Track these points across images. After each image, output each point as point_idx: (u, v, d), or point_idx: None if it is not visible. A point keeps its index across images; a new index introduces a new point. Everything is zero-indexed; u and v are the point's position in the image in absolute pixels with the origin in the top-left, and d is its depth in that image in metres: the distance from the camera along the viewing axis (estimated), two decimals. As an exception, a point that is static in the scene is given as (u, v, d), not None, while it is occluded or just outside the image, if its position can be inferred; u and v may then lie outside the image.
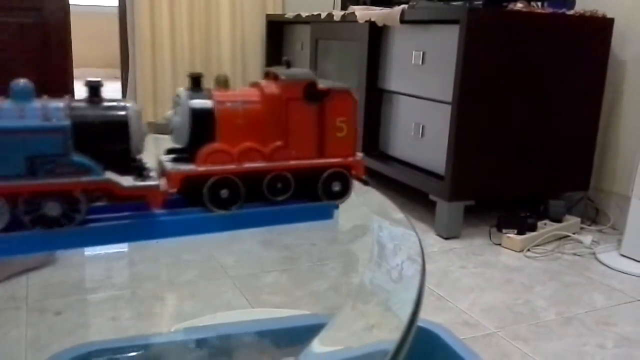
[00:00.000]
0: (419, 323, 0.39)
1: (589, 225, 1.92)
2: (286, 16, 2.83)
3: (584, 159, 1.93)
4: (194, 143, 0.44)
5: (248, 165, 0.45)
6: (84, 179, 0.39)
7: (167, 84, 2.92)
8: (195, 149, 0.44)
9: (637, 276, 1.54)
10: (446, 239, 1.76)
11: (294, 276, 1.43)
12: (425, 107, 1.89)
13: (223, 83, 0.46)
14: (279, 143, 0.46)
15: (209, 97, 0.45)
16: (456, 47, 1.67)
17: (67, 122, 0.39)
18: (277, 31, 3.07)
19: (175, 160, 0.45)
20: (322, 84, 0.47)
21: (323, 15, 2.45)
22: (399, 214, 0.56)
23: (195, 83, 0.45)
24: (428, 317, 1.26)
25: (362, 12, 2.13)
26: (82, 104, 0.41)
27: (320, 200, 0.48)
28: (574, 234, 1.80)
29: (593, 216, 1.98)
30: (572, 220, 1.84)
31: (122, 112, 0.41)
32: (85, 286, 1.32)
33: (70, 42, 1.74)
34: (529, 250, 1.69)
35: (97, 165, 0.39)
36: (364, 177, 0.50)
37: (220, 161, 0.44)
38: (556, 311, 1.32)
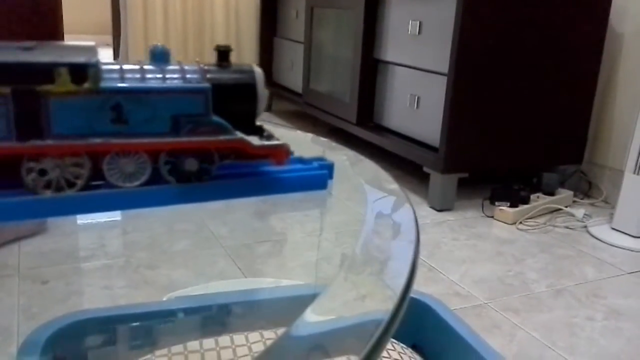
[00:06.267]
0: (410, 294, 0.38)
1: (581, 199, 1.92)
2: (281, -16, 2.79)
3: (578, 132, 1.92)
4: None
5: None
6: (221, 137, 0.42)
7: (160, 52, 2.88)
8: None
9: (628, 249, 1.56)
10: (439, 211, 1.76)
11: (287, 246, 1.44)
12: (420, 78, 1.88)
13: None
14: None
15: None
16: (453, 17, 1.65)
17: (208, 85, 0.41)
18: (272, -1, 3.02)
19: None
20: None
21: (319, -17, 2.40)
22: (393, 185, 0.56)
23: None
24: (419, 288, 1.27)
25: (358, -20, 2.09)
26: (214, 68, 0.44)
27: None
28: (566, 207, 1.81)
29: (586, 190, 1.99)
30: (564, 194, 1.85)
31: (251, 75, 0.44)
32: (78, 254, 1.32)
33: (61, 8, 1.70)
34: (521, 222, 1.70)
35: (229, 125, 0.42)
36: None
37: None
38: (547, 283, 1.33)
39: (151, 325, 0.73)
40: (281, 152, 0.44)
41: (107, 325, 0.72)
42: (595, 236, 1.63)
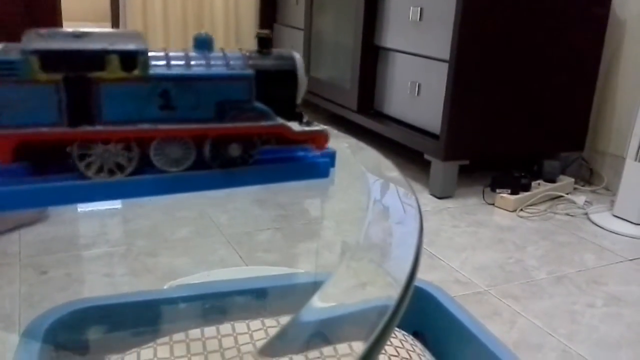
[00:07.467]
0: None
1: (582, 186, 1.92)
2: (281, -31, 2.76)
3: (579, 119, 1.92)
4: None
5: None
6: (263, 123, 0.42)
7: (159, 39, 2.86)
8: None
9: (628, 236, 1.56)
10: (440, 198, 1.76)
11: (289, 234, 1.44)
12: (421, 65, 1.87)
13: None
14: None
15: None
16: (454, 3, 1.64)
17: (251, 71, 0.42)
18: (272, -15, 3.00)
19: None
20: None
21: (319, -32, 2.38)
22: (394, 172, 0.55)
23: None
24: (420, 275, 1.27)
25: (358, -34, 2.07)
26: (255, 54, 0.44)
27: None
28: (567, 194, 1.81)
29: (587, 177, 1.98)
30: (565, 181, 1.85)
31: (292, 62, 0.45)
32: (79, 242, 1.32)
33: (59, -6, 1.68)
34: (522, 210, 1.69)
35: (271, 111, 0.43)
36: None
37: None
38: (547, 270, 1.33)
39: (152, 313, 0.73)
40: (321, 138, 0.45)
41: (108, 314, 0.72)
42: (596, 223, 1.63)
